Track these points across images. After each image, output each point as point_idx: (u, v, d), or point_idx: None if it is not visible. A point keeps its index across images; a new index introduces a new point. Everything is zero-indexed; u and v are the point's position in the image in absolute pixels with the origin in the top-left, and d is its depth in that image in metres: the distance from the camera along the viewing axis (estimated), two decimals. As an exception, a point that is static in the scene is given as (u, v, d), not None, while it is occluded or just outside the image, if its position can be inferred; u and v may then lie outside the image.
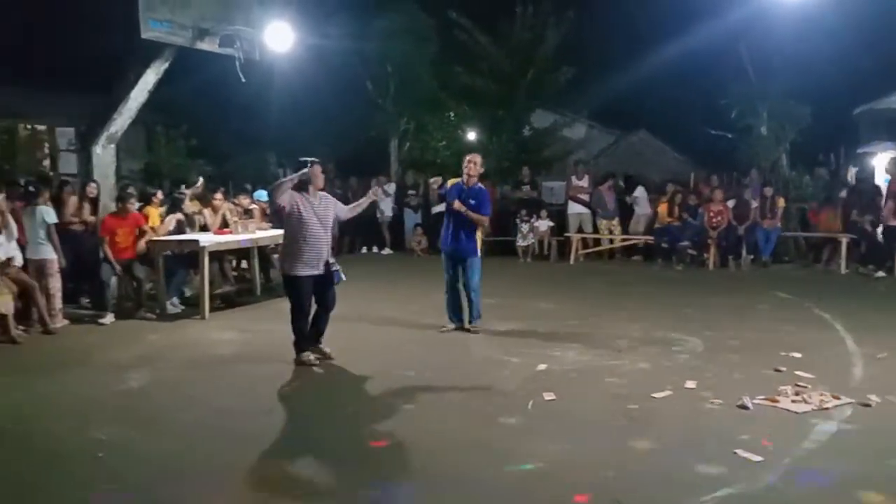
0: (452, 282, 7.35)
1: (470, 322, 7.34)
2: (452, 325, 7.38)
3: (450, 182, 7.38)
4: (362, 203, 6.73)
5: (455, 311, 7.40)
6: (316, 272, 6.08)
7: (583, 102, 21.88)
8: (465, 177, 7.22)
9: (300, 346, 6.19)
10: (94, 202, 9.22)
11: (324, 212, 6.16)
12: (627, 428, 4.55)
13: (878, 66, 19.76)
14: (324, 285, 6.18)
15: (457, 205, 7.08)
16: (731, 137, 17.52)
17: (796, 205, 13.24)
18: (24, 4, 20.84)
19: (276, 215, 6.26)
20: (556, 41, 17.30)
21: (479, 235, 7.35)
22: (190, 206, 9.64)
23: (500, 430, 4.57)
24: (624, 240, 13.63)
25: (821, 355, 6.18)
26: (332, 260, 6.19)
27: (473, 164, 7.20)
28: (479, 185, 7.30)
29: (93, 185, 9.26)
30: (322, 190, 6.29)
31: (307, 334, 6.22)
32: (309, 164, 6.13)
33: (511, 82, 17.48)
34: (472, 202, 7.15)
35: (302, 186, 6.09)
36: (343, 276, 6.25)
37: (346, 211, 6.53)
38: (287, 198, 6.02)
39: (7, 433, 4.68)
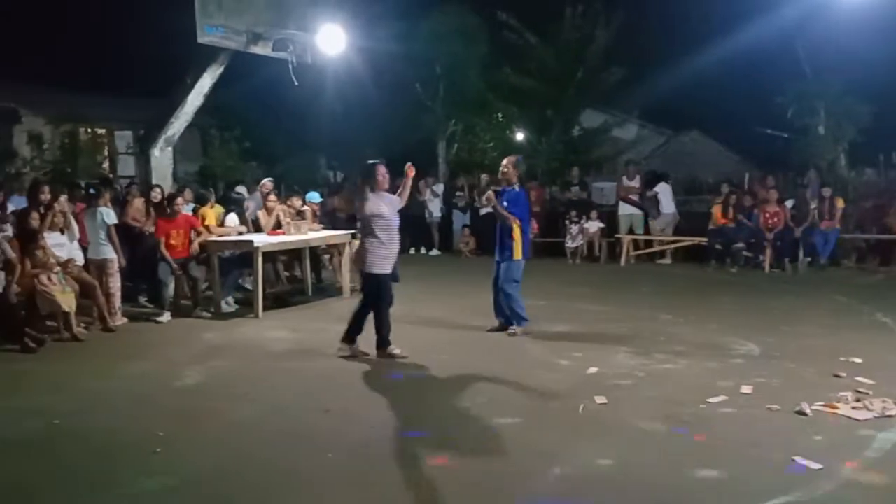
0: (494, 281, 7.44)
1: (509, 324, 7.30)
2: (496, 323, 7.44)
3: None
4: (406, 186, 6.87)
5: (498, 310, 7.45)
6: (390, 270, 6.39)
7: (633, 102, 21.65)
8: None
9: (352, 336, 6.45)
10: (158, 206, 9.46)
11: (394, 210, 6.44)
12: (681, 434, 4.48)
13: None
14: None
15: (486, 196, 7.38)
16: (786, 137, 17.09)
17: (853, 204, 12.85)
18: (84, 14, 21.54)
19: (357, 219, 6.54)
20: (605, 40, 17.14)
21: (516, 238, 7.21)
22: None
23: (550, 434, 4.54)
24: (674, 241, 13.42)
25: (882, 361, 5.98)
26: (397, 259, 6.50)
27: (503, 168, 7.40)
28: (515, 187, 7.31)
29: (157, 189, 9.52)
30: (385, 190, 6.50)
31: (386, 334, 6.41)
32: (374, 164, 6.40)
33: (560, 82, 17.37)
34: (505, 204, 7.26)
35: (374, 188, 6.35)
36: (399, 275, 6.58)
37: (399, 202, 6.68)
38: (373, 200, 6.30)
39: (67, 427, 4.83)
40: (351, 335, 6.44)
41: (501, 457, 4.18)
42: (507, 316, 7.33)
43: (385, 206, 6.35)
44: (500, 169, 7.45)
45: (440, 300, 9.59)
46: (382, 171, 6.41)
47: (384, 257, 6.30)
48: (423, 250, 15.40)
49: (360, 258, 6.42)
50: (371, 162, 6.51)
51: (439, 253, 15.30)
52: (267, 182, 11.05)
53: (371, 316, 6.43)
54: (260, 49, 9.46)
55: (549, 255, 13.70)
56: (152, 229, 8.94)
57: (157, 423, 4.77)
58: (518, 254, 7.22)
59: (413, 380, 5.83)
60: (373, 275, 6.33)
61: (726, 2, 20.38)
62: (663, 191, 13.55)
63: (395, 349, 6.39)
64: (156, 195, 9.47)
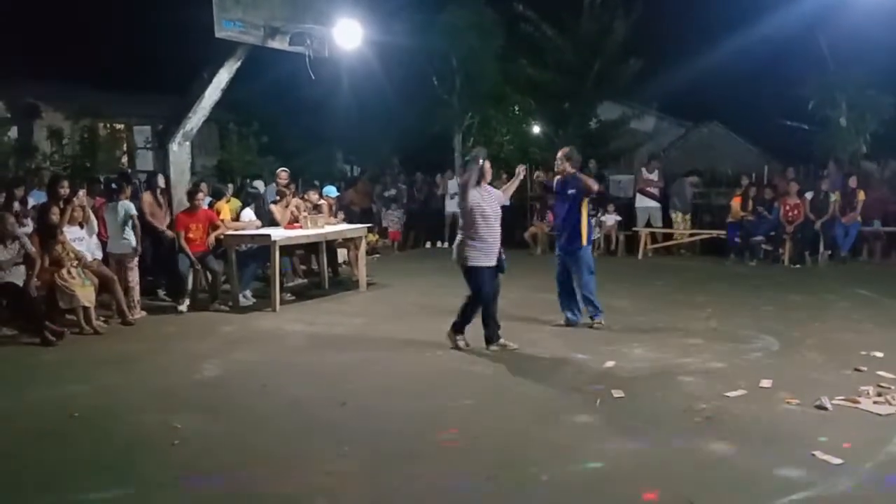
0: (559, 276, 7.43)
1: (592, 318, 7.27)
2: (562, 320, 7.39)
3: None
4: (513, 184, 6.94)
5: (566, 305, 7.43)
6: (493, 263, 6.35)
7: (652, 94, 21.43)
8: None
9: (460, 329, 6.48)
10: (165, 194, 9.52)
11: (495, 204, 6.43)
12: (699, 427, 4.45)
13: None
14: (494, 275, 6.44)
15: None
16: (807, 129, 16.88)
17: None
18: (102, 10, 21.70)
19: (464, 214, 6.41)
20: (623, 32, 17.00)
21: (584, 224, 7.26)
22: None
23: (568, 428, 4.53)
24: (692, 234, 13.32)
25: (905, 355, 5.91)
26: (501, 249, 6.45)
27: (556, 162, 7.51)
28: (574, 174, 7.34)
29: (160, 177, 9.61)
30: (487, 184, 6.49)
31: (492, 326, 6.46)
32: (482, 159, 6.36)
33: (577, 75, 17.26)
34: (572, 191, 7.27)
35: (479, 181, 6.35)
36: (506, 265, 6.51)
37: (503, 197, 6.69)
38: (476, 193, 6.31)
39: (87, 419, 4.88)
40: (457, 328, 6.48)
41: (517, 450, 4.17)
42: (582, 309, 7.32)
43: (487, 200, 6.35)
44: (555, 163, 7.53)
45: (459, 293, 9.56)
46: (486, 166, 6.43)
47: (482, 250, 6.27)
48: (438, 244, 15.38)
49: (459, 252, 6.38)
50: (476, 154, 6.49)
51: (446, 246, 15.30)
52: (281, 172, 11.08)
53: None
54: (277, 43, 9.46)
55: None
56: (169, 232, 8.99)
57: (176, 416, 4.80)
58: (586, 240, 7.27)
59: (429, 373, 5.83)
60: (472, 268, 6.31)
61: (746, -9, 20.14)
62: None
63: (504, 342, 6.44)
64: (160, 183, 9.56)
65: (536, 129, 20.11)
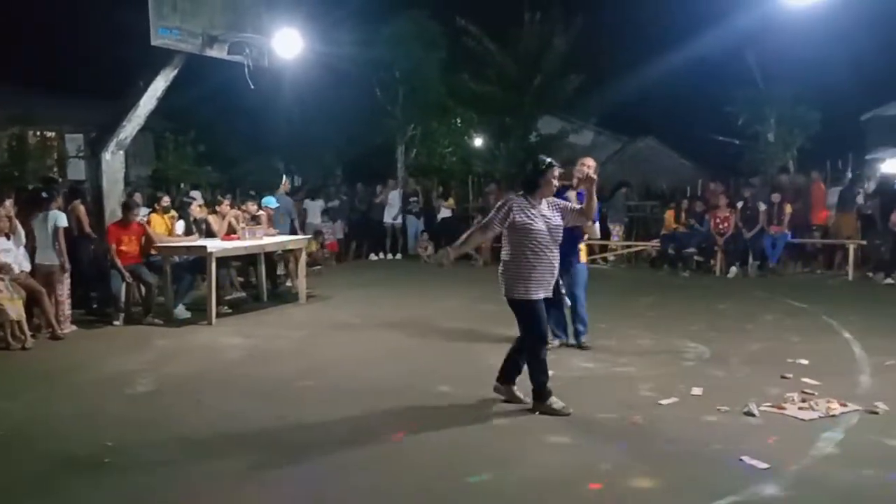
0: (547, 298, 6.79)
1: (579, 336, 6.81)
2: (556, 343, 6.62)
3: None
4: (592, 197, 5.19)
5: (559, 326, 6.75)
6: (546, 294, 5.04)
7: (590, 109, 21.89)
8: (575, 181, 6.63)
9: (541, 388, 5.01)
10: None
11: (555, 221, 5.04)
12: (633, 434, 4.54)
13: (889, 70, 19.73)
14: (547, 310, 5.13)
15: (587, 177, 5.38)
16: (738, 144, 17.51)
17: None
18: (35, 12, 21.03)
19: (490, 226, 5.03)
20: (563, 48, 17.34)
21: (581, 245, 6.85)
22: (197, 211, 9.71)
23: (503, 435, 4.57)
24: (628, 246, 13.62)
25: (828, 362, 6.16)
26: (561, 280, 5.24)
27: (588, 168, 6.42)
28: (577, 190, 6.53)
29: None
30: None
31: (515, 367, 5.20)
32: (544, 166, 5.01)
33: (519, 89, 17.53)
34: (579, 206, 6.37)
35: (529, 191, 5.05)
36: (569, 301, 5.41)
37: (577, 215, 5.23)
38: (524, 208, 4.96)
39: (15, 437, 4.71)
40: (507, 377, 5.21)
41: (456, 463, 4.19)
42: (570, 329, 6.78)
43: (531, 215, 4.94)
44: (583, 170, 6.40)
45: (405, 304, 9.58)
46: (550, 177, 5.00)
47: (529, 278, 4.92)
48: (381, 255, 15.37)
49: (503, 280, 5.04)
50: (544, 159, 5.07)
51: (397, 258, 15.31)
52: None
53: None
54: (216, 52, 9.35)
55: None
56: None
57: (107, 433, 4.67)
58: (585, 256, 6.89)
59: (367, 386, 5.80)
60: (517, 301, 5.00)
61: (680, 11, 20.84)
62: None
63: (556, 402, 4.98)
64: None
65: (478, 142, 20.31)
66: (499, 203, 5.05)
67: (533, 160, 5.13)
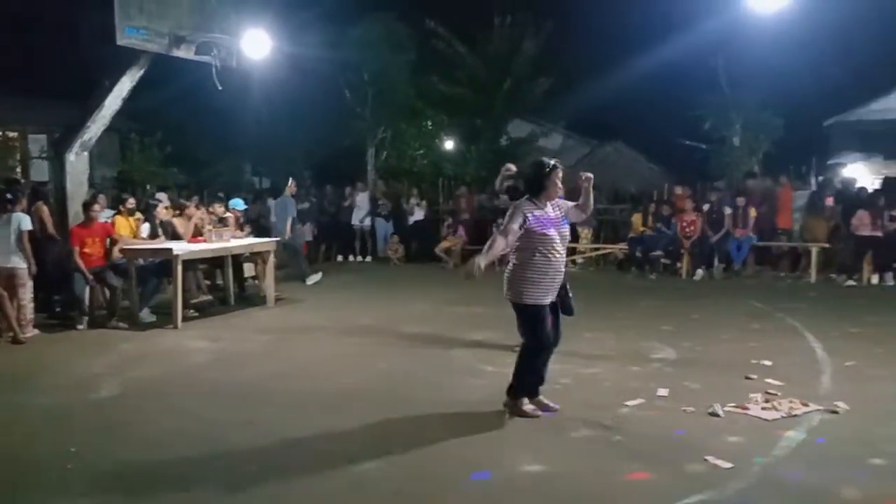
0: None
1: None
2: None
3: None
4: (588, 193, 5.14)
5: None
6: (552, 299, 4.98)
7: (560, 113, 22.11)
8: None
9: (522, 389, 5.03)
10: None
11: (561, 223, 4.98)
12: (600, 436, 4.58)
13: (849, 78, 20.23)
14: (554, 315, 5.05)
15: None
16: (705, 148, 17.77)
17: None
18: (-4, 10, 20.58)
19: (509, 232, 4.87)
20: (533, 52, 17.44)
21: None
22: (163, 213, 9.59)
23: (476, 441, 4.58)
24: (596, 249, 13.74)
25: (791, 363, 6.27)
26: (567, 285, 5.13)
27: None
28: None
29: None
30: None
31: (533, 378, 5.09)
32: (549, 168, 4.94)
33: (488, 92, 17.60)
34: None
35: (535, 194, 4.99)
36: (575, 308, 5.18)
37: (577, 212, 5.15)
38: (532, 211, 4.88)
39: (-26, 444, 4.61)
40: (516, 391, 5.03)
41: (426, 465, 4.19)
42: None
43: (540, 217, 4.87)
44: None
45: (374, 307, 9.55)
46: (555, 178, 4.93)
47: (538, 283, 4.86)
48: (350, 258, 15.32)
49: (510, 284, 4.97)
50: (546, 161, 5.01)
51: (367, 260, 15.27)
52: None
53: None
54: (183, 52, 9.25)
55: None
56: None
57: (70, 438, 4.60)
58: None
59: (336, 391, 5.77)
60: (524, 306, 4.92)
61: (649, 17, 21.14)
62: None
63: (528, 406, 5.00)
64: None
65: (449, 145, 20.35)
66: (510, 210, 4.95)
67: (537, 163, 5.05)
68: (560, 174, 4.95)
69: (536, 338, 4.93)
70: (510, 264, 5.00)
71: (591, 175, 5.12)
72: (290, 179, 12.07)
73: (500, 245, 4.87)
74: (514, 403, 4.99)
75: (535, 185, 4.96)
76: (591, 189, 5.12)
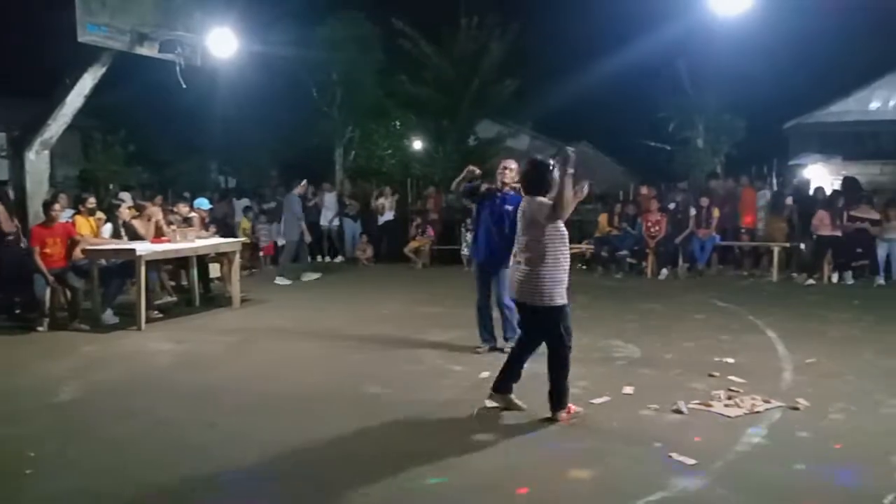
0: (483, 298, 6.70)
1: (505, 339, 6.66)
2: (486, 346, 6.76)
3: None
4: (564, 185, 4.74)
5: (488, 330, 6.81)
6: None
7: (527, 114, 22.20)
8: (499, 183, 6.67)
9: (567, 396, 4.89)
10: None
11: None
12: (566, 433, 4.62)
13: (809, 81, 20.68)
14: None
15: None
16: (669, 149, 18.02)
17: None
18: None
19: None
20: (500, 53, 17.49)
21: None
22: (126, 213, 9.44)
23: (441, 439, 4.58)
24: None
25: (753, 361, 6.38)
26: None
27: (510, 170, 6.59)
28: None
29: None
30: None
31: (515, 376, 5.07)
32: (552, 165, 4.83)
33: (456, 92, 17.60)
34: (509, 207, 6.38)
35: (543, 193, 4.84)
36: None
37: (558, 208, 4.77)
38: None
39: (-70, 450, 4.49)
40: (560, 402, 4.86)
41: (390, 464, 4.18)
42: (504, 331, 6.70)
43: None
44: (505, 174, 6.61)
45: (342, 308, 9.51)
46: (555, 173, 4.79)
47: (563, 282, 4.77)
48: (318, 258, 15.24)
49: (534, 288, 4.74)
50: (546, 159, 4.91)
51: (335, 260, 15.22)
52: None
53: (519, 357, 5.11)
54: (146, 50, 9.13)
55: (445, 262, 13.88)
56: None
57: (30, 443, 4.50)
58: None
59: (305, 394, 5.74)
60: (555, 308, 4.75)
61: (615, 20, 21.35)
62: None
63: (516, 400, 5.04)
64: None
65: (417, 145, 20.33)
66: (539, 206, 4.74)
67: (540, 162, 4.94)
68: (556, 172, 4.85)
69: (569, 335, 4.81)
70: (526, 269, 4.78)
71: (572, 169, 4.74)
72: (304, 180, 12.04)
73: (569, 193, 4.63)
74: (567, 416, 4.82)
75: (543, 184, 4.82)
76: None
